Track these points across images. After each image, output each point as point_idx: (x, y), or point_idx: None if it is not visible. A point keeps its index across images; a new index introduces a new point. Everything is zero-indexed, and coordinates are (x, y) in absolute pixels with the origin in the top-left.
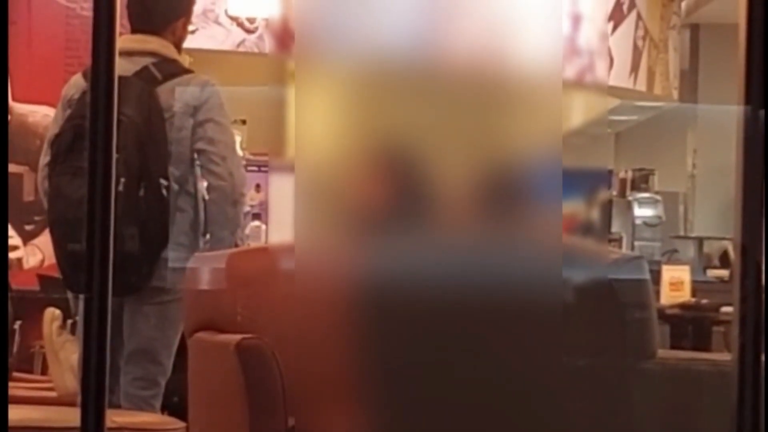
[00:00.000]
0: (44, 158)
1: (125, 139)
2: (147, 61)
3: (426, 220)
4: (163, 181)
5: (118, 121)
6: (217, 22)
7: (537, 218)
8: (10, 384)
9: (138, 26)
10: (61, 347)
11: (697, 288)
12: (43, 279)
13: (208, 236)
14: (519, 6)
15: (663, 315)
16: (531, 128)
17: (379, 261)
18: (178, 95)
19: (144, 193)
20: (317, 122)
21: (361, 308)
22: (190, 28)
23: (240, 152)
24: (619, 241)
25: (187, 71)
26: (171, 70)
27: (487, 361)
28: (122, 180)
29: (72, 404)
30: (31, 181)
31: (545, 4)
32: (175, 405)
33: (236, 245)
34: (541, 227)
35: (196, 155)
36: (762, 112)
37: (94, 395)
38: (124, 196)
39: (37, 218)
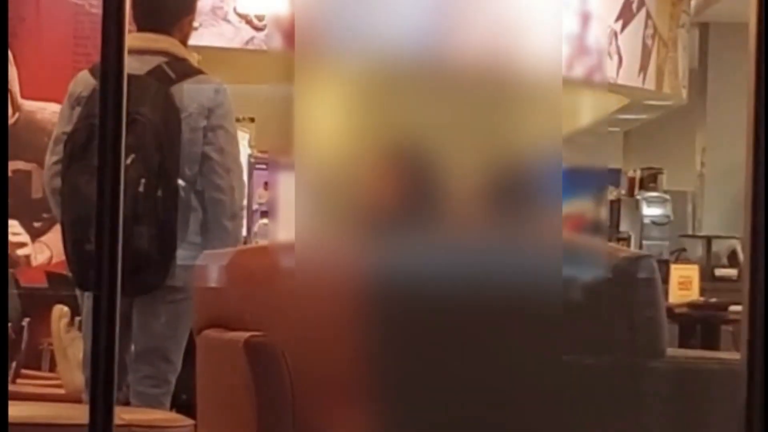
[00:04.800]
0: (52, 156)
1: (143, 139)
2: (159, 60)
3: (427, 217)
4: (180, 182)
5: (134, 120)
6: (225, 19)
7: (537, 217)
8: (19, 381)
9: (145, 25)
10: (70, 344)
11: (705, 287)
12: (52, 276)
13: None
14: (520, 5)
15: (671, 314)
16: (531, 127)
17: (380, 258)
18: (193, 95)
19: (162, 193)
20: (318, 120)
21: (364, 306)
22: (194, 24)
23: (249, 150)
24: (627, 240)
25: (199, 71)
26: (183, 69)
27: (490, 359)
28: (142, 180)
29: (80, 401)
30: (39, 178)
31: (546, 3)
32: (183, 402)
33: None
34: (541, 226)
35: (201, 159)
36: None
37: (103, 392)
38: (144, 196)
39: (45, 215)
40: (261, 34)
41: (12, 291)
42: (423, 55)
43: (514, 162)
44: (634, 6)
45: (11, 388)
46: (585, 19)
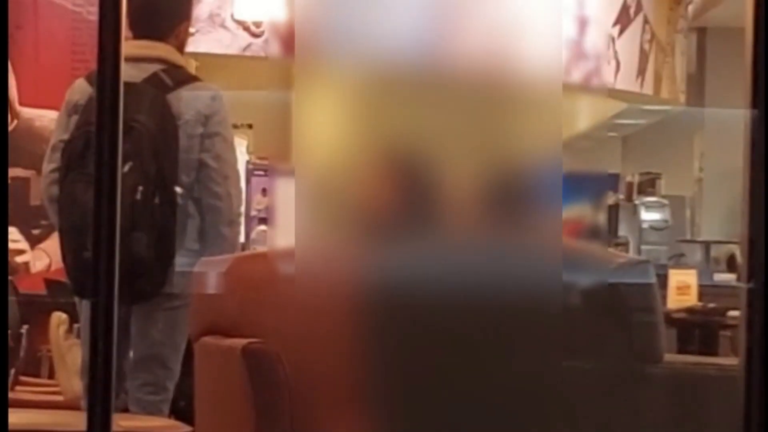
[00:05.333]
0: (49, 164)
1: (140, 146)
2: (155, 67)
3: (428, 223)
4: (177, 189)
5: (131, 128)
6: (223, 26)
7: (537, 222)
8: (18, 388)
9: (141, 32)
10: (68, 351)
11: (703, 292)
12: (50, 283)
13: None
14: (519, 9)
15: (670, 319)
16: (532, 132)
17: (380, 265)
18: (189, 102)
19: (160, 200)
20: (317, 126)
21: (363, 313)
22: (191, 30)
23: (247, 156)
24: (625, 245)
25: (195, 78)
26: (180, 76)
27: (490, 365)
28: (140, 188)
29: (79, 408)
30: (38, 185)
31: (546, 8)
32: (181, 409)
33: None
34: (541, 231)
35: (198, 166)
36: None
37: (101, 399)
38: (142, 203)
39: (44, 222)
40: (259, 41)
41: (11, 298)
42: (423, 61)
43: (514, 167)
44: (632, 11)
45: (9, 395)
46: (582, 24)
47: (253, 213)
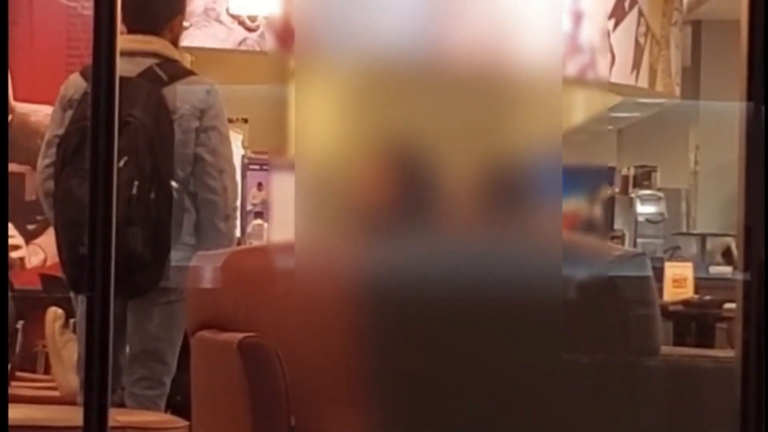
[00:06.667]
0: (44, 160)
1: (136, 141)
2: (150, 62)
3: (426, 217)
4: (173, 183)
5: (127, 122)
6: (218, 20)
7: (537, 215)
8: (14, 383)
9: (135, 26)
10: (64, 346)
11: (699, 285)
12: (46, 278)
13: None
14: (518, 4)
15: (666, 312)
16: (531, 125)
17: (379, 259)
18: (184, 97)
19: (155, 195)
20: (317, 120)
21: (362, 307)
22: (185, 24)
23: (242, 151)
24: (621, 238)
25: (190, 72)
26: (175, 71)
27: (488, 359)
28: (135, 183)
29: (75, 403)
30: (32, 180)
31: (545, 1)
32: (178, 404)
33: None
34: (541, 224)
35: (194, 160)
36: (763, 108)
37: (97, 394)
38: (137, 198)
39: (39, 218)
40: (254, 35)
41: None
42: (424, 55)
43: (514, 161)
44: (626, 4)
45: None
46: (577, 17)
47: (249, 207)
